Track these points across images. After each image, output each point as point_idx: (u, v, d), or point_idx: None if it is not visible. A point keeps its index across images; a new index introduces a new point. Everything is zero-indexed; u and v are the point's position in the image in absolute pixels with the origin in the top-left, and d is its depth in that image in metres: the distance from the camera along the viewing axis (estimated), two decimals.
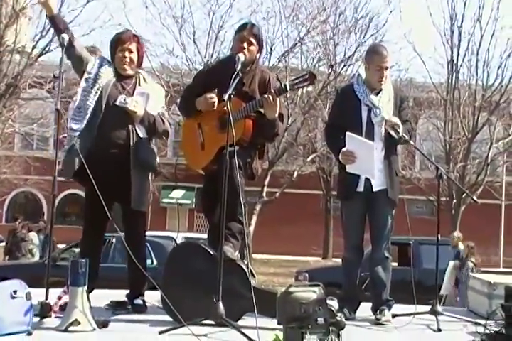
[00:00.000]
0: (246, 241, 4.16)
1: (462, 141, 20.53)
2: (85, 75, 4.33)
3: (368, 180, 4.37)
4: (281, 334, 3.34)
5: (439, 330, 4.02)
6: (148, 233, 4.59)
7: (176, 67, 20.14)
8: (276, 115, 4.18)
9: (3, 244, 14.86)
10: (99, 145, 4.21)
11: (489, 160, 20.62)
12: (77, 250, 9.61)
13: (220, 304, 3.58)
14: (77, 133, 4.20)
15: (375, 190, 4.37)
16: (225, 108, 3.93)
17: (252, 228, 17.99)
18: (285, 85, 4.13)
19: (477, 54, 20.22)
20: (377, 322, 4.24)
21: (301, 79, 4.14)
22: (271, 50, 19.65)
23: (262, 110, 4.18)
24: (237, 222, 4.11)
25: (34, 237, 15.20)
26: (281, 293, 3.51)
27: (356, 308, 4.46)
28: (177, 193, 27.97)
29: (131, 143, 4.28)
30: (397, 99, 4.48)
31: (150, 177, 4.56)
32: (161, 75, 19.15)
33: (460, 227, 19.75)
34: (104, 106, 4.26)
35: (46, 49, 18.58)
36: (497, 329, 3.70)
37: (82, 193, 4.61)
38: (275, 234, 25.81)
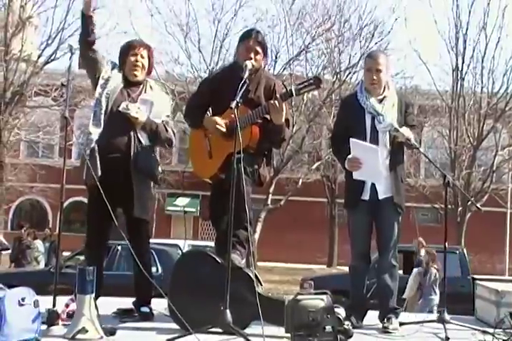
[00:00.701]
0: (251, 249, 4.15)
1: (467, 148, 20.52)
2: (100, 81, 4.35)
3: (373, 188, 4.36)
4: None
5: (447, 339, 3.98)
6: (153, 241, 4.58)
7: (181, 74, 20.22)
8: (283, 120, 4.19)
9: (9, 251, 14.86)
10: (102, 151, 4.22)
11: (495, 168, 20.62)
12: (82, 258, 9.64)
13: (228, 312, 3.58)
14: (96, 137, 4.22)
15: (380, 197, 4.36)
16: (232, 116, 3.94)
17: (256, 235, 17.98)
18: (291, 90, 4.15)
19: (482, 61, 20.30)
20: (385, 331, 4.21)
21: (306, 84, 4.16)
22: (276, 57, 19.76)
23: (268, 116, 4.20)
24: (244, 229, 4.11)
25: (40, 245, 15.20)
26: (289, 301, 3.50)
27: (363, 316, 4.44)
28: (182, 201, 27.97)
29: (132, 150, 4.28)
30: (401, 105, 4.48)
31: (152, 185, 4.56)
32: (166, 83, 19.22)
33: (465, 235, 19.75)
34: (108, 111, 4.28)
35: (52, 57, 18.71)
36: (505, 338, 3.68)
37: (86, 201, 4.61)
38: (280, 242, 25.76)
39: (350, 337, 3.30)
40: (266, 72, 4.57)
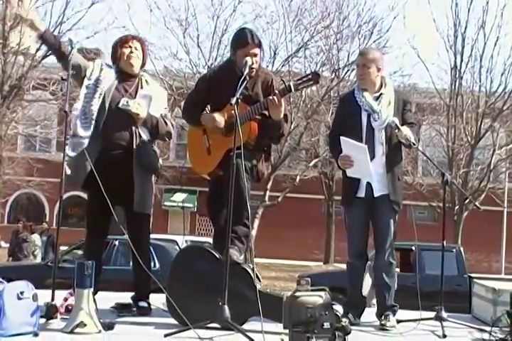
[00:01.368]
0: (249, 245, 4.16)
1: (465, 147, 20.54)
2: (85, 82, 4.33)
3: (369, 186, 4.37)
4: (286, 339, 3.34)
5: (444, 336, 4.00)
6: (150, 236, 4.58)
7: (180, 70, 20.17)
8: (282, 116, 4.19)
9: (7, 245, 14.88)
10: (103, 148, 4.23)
11: (492, 167, 20.64)
12: (79, 252, 9.64)
13: (226, 307, 3.58)
14: (86, 140, 4.21)
15: (376, 195, 4.37)
16: (232, 112, 3.94)
17: (254, 232, 17.98)
18: (289, 85, 4.15)
19: (480, 60, 20.29)
20: (382, 328, 4.22)
21: (305, 79, 4.16)
22: (274, 54, 19.72)
23: (266, 112, 4.19)
24: (243, 225, 4.11)
25: (37, 239, 15.21)
26: (287, 297, 3.50)
27: (361, 313, 4.45)
28: (179, 196, 27.99)
29: (134, 146, 4.29)
30: (399, 102, 4.49)
31: (153, 180, 4.57)
32: (165, 78, 19.18)
33: (462, 233, 19.77)
34: (107, 109, 4.27)
35: (50, 51, 18.62)
36: (502, 336, 3.69)
37: (84, 195, 4.61)
38: (277, 238, 25.77)
39: (348, 333, 3.30)
40: (263, 67, 4.56)
